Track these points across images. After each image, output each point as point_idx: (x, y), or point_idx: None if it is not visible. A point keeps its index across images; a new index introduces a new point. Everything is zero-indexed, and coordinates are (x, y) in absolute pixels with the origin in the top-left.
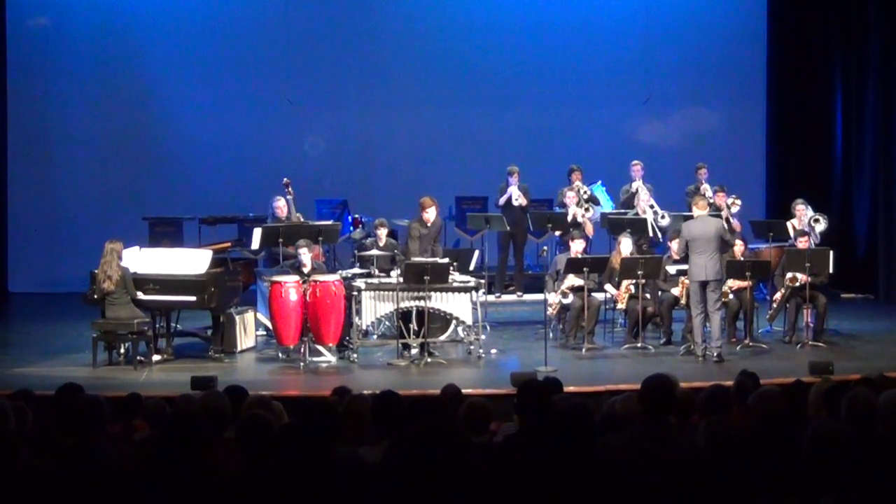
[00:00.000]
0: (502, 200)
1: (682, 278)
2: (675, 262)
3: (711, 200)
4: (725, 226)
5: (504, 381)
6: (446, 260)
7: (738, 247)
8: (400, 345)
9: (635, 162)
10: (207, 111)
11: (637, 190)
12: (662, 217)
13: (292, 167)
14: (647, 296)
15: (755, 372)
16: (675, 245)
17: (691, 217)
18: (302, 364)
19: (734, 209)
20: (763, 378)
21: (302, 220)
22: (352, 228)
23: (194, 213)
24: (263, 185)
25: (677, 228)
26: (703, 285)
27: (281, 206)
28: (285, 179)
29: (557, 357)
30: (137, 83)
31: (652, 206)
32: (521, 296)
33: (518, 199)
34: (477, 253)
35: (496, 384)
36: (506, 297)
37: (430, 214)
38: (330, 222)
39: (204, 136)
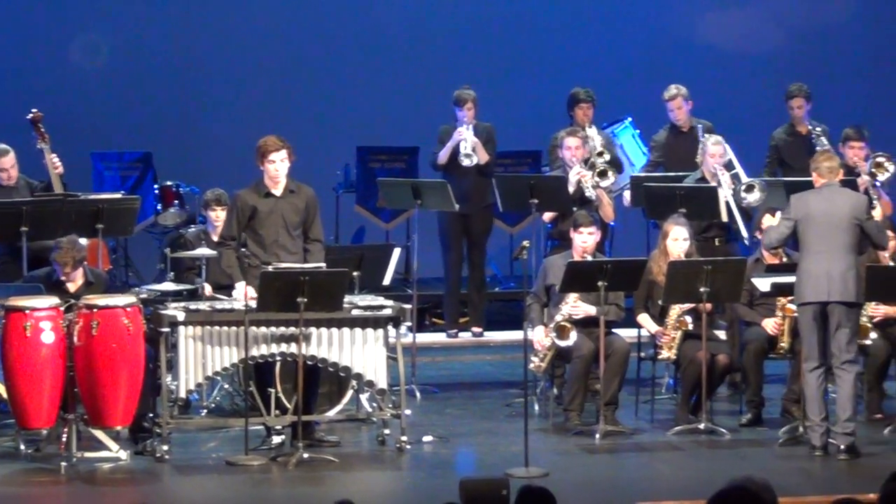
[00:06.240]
0: (444, 155)
1: (784, 301)
2: (772, 269)
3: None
4: (869, 205)
5: (447, 495)
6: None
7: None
8: (252, 428)
9: (670, 93)
10: None
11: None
12: (749, 189)
13: (40, 93)
14: (719, 333)
15: None
16: (769, 236)
17: (807, 185)
18: (64, 465)
19: (881, 176)
20: None
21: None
22: (159, 207)
23: None
24: None
25: (773, 207)
26: (824, 313)
27: (6, 163)
28: (33, 112)
29: (549, 449)
30: None
31: (732, 169)
32: (481, 334)
33: (470, 151)
34: (398, 253)
35: (431, 501)
36: (451, 338)
37: (280, 168)
38: (118, 195)
39: None
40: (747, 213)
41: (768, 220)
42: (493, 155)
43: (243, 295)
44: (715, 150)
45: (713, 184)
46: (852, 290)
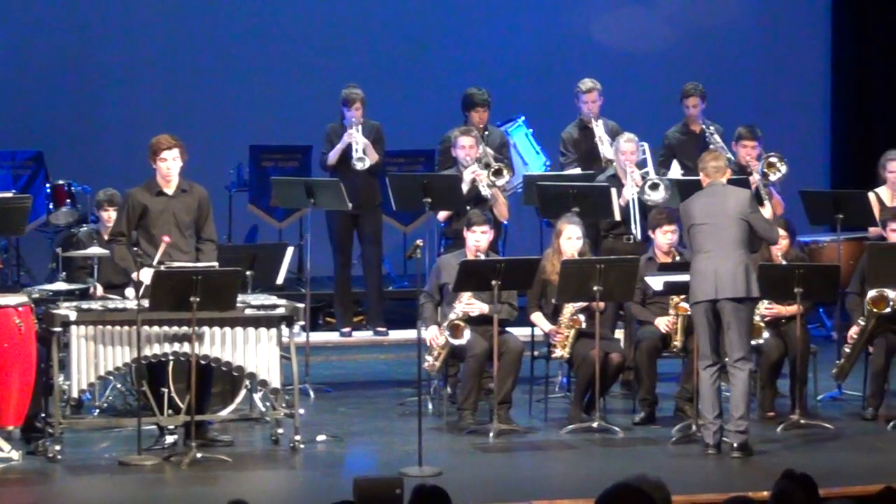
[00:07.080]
0: (334, 157)
1: (677, 299)
2: (665, 267)
3: (727, 156)
4: (757, 202)
5: (341, 493)
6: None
7: (779, 241)
8: (144, 428)
9: (586, 86)
10: None
11: (617, 139)
12: (653, 186)
13: None
14: (616, 334)
15: (808, 474)
16: (665, 237)
17: (698, 183)
18: None
19: (773, 176)
20: (825, 485)
21: None
22: (51, 206)
23: None
24: None
25: (667, 208)
26: (715, 311)
27: None
28: None
29: (443, 448)
30: None
31: (644, 167)
32: (386, 332)
33: (362, 154)
34: (290, 252)
35: (325, 500)
36: (345, 337)
37: (172, 167)
38: (9, 194)
39: None
40: (646, 212)
41: (660, 238)
42: (382, 154)
43: (141, 281)
44: (626, 148)
45: (624, 181)
46: (741, 286)
